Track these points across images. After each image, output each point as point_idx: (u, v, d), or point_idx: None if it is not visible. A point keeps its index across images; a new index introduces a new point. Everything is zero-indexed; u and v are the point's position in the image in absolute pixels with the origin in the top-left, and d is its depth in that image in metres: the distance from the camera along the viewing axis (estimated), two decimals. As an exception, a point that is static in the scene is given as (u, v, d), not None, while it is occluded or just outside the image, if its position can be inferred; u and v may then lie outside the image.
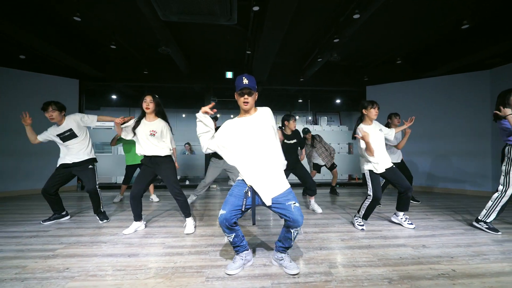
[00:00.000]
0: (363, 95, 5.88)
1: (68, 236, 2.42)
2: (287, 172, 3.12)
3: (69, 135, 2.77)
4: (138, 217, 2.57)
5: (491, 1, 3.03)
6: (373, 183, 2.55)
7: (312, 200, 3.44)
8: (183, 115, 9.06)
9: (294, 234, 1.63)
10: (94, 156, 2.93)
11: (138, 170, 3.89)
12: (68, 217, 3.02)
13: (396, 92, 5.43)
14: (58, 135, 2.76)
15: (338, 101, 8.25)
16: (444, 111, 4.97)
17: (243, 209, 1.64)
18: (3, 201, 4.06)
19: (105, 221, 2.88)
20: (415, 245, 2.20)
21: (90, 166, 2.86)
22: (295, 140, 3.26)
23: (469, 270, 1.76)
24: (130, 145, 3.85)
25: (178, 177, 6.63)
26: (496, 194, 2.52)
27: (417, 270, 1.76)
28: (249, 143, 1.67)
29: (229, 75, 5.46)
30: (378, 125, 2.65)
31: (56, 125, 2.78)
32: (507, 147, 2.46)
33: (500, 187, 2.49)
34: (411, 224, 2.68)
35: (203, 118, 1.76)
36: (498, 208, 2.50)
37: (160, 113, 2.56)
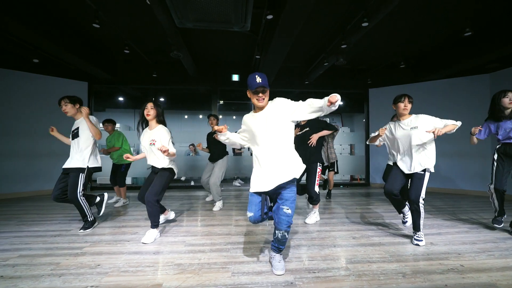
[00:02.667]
0: (366, 97, 6.02)
1: (90, 235, 2.52)
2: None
3: (75, 134, 2.69)
4: (156, 225, 2.42)
5: (489, 9, 3.17)
6: (386, 174, 2.51)
7: (316, 209, 3.02)
8: (185, 116, 9.17)
9: (278, 235, 1.73)
10: (89, 166, 2.66)
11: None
12: (97, 223, 2.86)
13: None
14: (72, 130, 2.72)
15: (340, 103, 8.41)
16: (445, 114, 5.08)
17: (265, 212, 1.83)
18: (18, 201, 4.14)
19: (87, 230, 2.64)
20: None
21: (80, 174, 2.60)
22: (307, 128, 2.80)
23: (476, 265, 1.88)
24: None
25: (183, 178, 6.81)
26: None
27: (427, 266, 1.88)
28: (263, 135, 1.73)
29: (235, 77, 5.57)
30: (415, 122, 2.31)
31: (75, 120, 2.76)
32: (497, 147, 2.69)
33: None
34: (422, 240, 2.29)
35: (223, 136, 1.86)
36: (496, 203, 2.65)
37: (162, 121, 2.53)
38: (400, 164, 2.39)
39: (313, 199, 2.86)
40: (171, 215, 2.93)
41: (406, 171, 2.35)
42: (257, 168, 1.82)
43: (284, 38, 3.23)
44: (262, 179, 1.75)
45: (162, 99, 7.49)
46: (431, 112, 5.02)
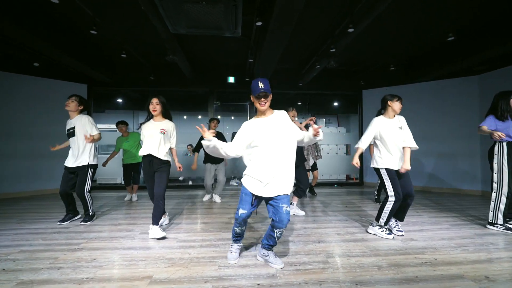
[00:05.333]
0: (360, 98, 6.14)
1: (87, 232, 2.65)
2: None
3: (71, 133, 2.88)
4: (158, 222, 2.55)
5: (471, 13, 3.28)
6: (392, 182, 2.35)
7: (296, 203, 3.33)
8: (185, 117, 9.31)
9: (277, 234, 1.79)
10: (92, 163, 2.92)
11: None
12: (79, 216, 3.11)
13: (391, 96, 5.68)
14: (67, 130, 2.92)
15: (336, 103, 8.51)
16: (436, 114, 5.24)
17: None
18: (19, 201, 4.28)
19: (87, 223, 2.92)
20: (404, 239, 2.45)
21: (89, 171, 2.92)
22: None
23: (449, 259, 2.00)
24: (131, 146, 4.13)
25: (181, 178, 6.93)
26: (493, 195, 2.65)
27: (403, 259, 2.00)
28: (267, 141, 1.77)
29: (231, 79, 5.70)
30: (400, 122, 2.46)
31: (69, 119, 2.93)
32: (496, 145, 2.64)
33: (495, 185, 2.63)
34: (401, 231, 2.53)
35: (208, 142, 1.72)
36: (502, 208, 2.59)
37: (166, 115, 2.68)
38: (393, 162, 2.41)
39: (304, 190, 3.31)
40: (166, 220, 2.96)
41: (397, 168, 2.42)
42: (258, 172, 1.78)
43: (275, 43, 3.35)
44: (265, 185, 1.76)
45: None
46: (422, 112, 5.18)
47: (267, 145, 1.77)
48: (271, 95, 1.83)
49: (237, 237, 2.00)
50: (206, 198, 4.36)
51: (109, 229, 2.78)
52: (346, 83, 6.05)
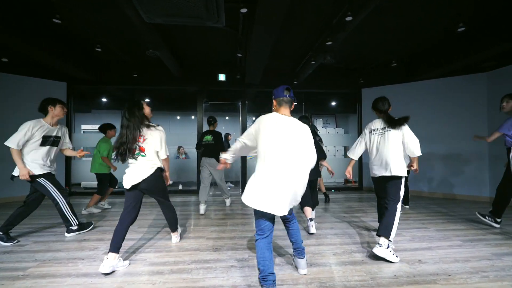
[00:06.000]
0: (359, 97, 5.79)
1: (44, 252, 2.28)
2: None
3: (53, 142, 2.59)
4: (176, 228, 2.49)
5: (485, 4, 2.94)
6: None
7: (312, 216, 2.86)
8: (178, 117, 8.93)
9: (302, 244, 1.88)
10: (37, 173, 2.49)
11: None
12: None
13: (392, 95, 5.28)
14: (43, 136, 2.51)
15: (333, 103, 8.16)
16: (440, 114, 4.89)
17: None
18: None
19: (70, 234, 2.69)
20: (410, 260, 2.09)
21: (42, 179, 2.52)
22: None
23: (467, 291, 1.65)
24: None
25: (171, 182, 6.57)
26: None
27: (412, 291, 1.64)
28: (288, 144, 1.60)
29: (221, 77, 5.33)
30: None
31: (48, 125, 2.57)
32: None
33: None
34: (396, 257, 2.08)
35: (229, 157, 1.90)
36: None
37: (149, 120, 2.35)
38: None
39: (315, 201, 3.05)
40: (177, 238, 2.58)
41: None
42: (265, 182, 1.56)
43: (264, 34, 3.00)
44: (273, 198, 1.53)
45: (147, 100, 7.25)
46: (426, 112, 4.76)
47: (280, 147, 1.64)
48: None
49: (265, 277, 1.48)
50: (202, 209, 3.65)
51: (71, 246, 2.41)
52: (344, 81, 5.69)
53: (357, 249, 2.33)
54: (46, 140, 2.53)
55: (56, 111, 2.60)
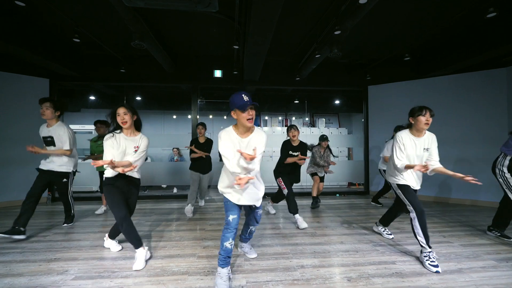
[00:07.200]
0: (365, 95, 5.42)
1: (3, 276, 1.90)
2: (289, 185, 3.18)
3: (49, 141, 2.76)
4: (138, 243, 2.07)
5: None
6: (408, 196, 2.21)
7: (299, 216, 3.08)
8: (174, 117, 8.54)
9: (252, 229, 2.16)
10: (72, 170, 2.93)
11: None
12: (24, 236, 2.57)
13: (401, 93, 4.98)
14: (43, 137, 2.78)
15: (337, 102, 7.79)
16: (454, 113, 4.53)
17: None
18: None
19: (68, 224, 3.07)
20: (442, 282, 1.73)
21: (64, 180, 2.91)
22: (298, 153, 3.17)
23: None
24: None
25: (165, 186, 6.19)
26: None
27: None
28: (249, 163, 1.72)
29: (217, 73, 4.96)
30: (427, 142, 2.26)
31: (46, 125, 2.78)
32: None
33: None
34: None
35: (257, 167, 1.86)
36: None
37: (138, 125, 2.21)
38: (411, 180, 2.31)
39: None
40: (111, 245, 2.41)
41: (417, 187, 2.35)
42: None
43: (262, 22, 2.62)
44: (241, 195, 1.85)
45: (139, 98, 6.85)
46: (438, 111, 4.27)
47: (241, 164, 1.72)
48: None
49: (226, 257, 1.80)
50: (189, 210, 3.52)
51: (35, 269, 2.03)
52: (349, 78, 5.33)
53: (375, 272, 1.96)
54: (44, 141, 2.79)
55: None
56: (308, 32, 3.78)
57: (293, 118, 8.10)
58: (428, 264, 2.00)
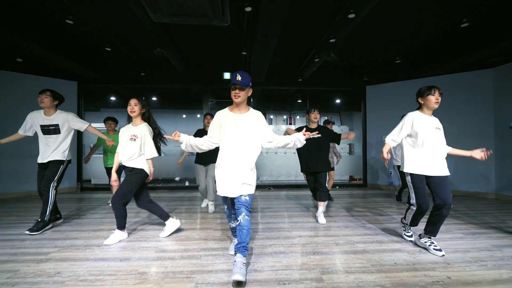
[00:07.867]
0: (363, 94, 5.82)
1: (62, 239, 2.43)
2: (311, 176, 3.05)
3: (53, 130, 2.70)
4: (121, 226, 2.40)
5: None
6: (417, 188, 2.10)
7: (322, 208, 2.99)
8: (184, 116, 9.09)
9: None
10: (67, 158, 2.79)
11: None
12: (62, 220, 2.99)
13: (397, 92, 5.36)
14: (41, 126, 2.69)
15: (338, 101, 8.17)
16: (446, 111, 4.87)
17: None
18: (2, 203, 4.10)
19: (31, 233, 2.54)
20: (411, 251, 2.16)
21: (61, 166, 2.73)
22: (319, 135, 2.61)
23: (464, 277, 1.71)
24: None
25: (178, 179, 6.71)
26: None
27: (411, 277, 1.72)
28: (235, 138, 1.82)
29: (226, 76, 5.43)
30: (437, 122, 2.23)
31: (44, 115, 2.73)
32: None
33: None
34: (440, 250, 2.06)
35: (182, 144, 1.95)
36: None
37: (146, 118, 2.47)
38: (424, 166, 2.13)
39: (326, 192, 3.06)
40: (173, 224, 2.57)
41: (430, 174, 2.13)
42: (222, 169, 1.87)
43: (268, 32, 3.08)
44: (227, 183, 1.83)
45: (154, 98, 7.41)
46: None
47: (231, 143, 1.82)
48: (249, 90, 1.86)
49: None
50: (204, 204, 3.79)
51: (87, 235, 2.56)
52: (348, 78, 5.73)
53: (359, 240, 2.41)
54: (45, 130, 2.71)
55: None
56: (308, 38, 4.21)
57: (297, 117, 8.53)
58: (433, 249, 2.08)
